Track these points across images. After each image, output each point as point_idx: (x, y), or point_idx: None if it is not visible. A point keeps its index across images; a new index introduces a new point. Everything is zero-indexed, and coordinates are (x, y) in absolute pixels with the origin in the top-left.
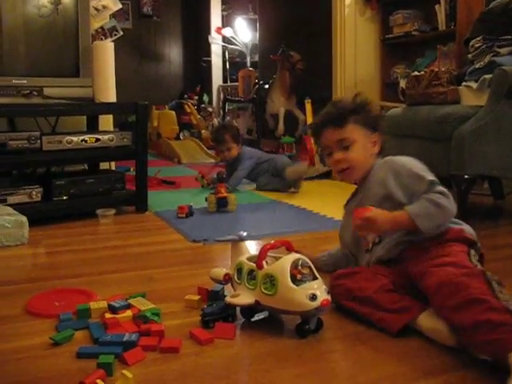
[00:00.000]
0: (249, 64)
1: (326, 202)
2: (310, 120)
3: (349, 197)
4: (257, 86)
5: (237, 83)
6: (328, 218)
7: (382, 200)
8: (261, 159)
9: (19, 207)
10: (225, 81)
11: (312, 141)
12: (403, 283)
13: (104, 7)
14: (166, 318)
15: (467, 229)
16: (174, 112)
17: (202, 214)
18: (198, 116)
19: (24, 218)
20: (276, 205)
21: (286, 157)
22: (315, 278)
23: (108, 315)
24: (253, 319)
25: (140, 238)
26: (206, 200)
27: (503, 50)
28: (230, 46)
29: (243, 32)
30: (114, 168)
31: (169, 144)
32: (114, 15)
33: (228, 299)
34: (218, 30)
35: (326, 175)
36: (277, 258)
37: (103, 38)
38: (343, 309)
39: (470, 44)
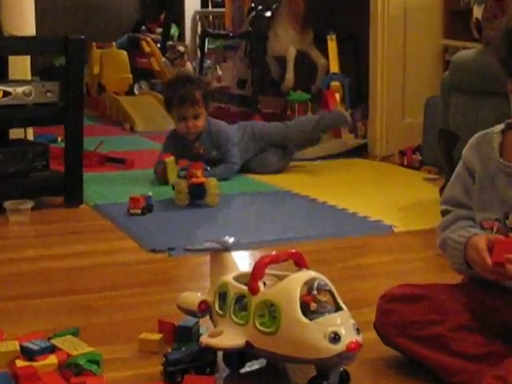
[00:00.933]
0: None
1: (357, 192)
2: (334, 66)
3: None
4: (253, 14)
5: (223, 9)
6: (361, 218)
7: None
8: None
9: None
10: (204, 5)
11: (337, 98)
12: (495, 324)
13: None
14: (109, 368)
15: None
16: (125, 52)
17: (167, 209)
18: (163, 59)
19: None
20: (282, 196)
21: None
22: (339, 309)
23: (21, 363)
24: (242, 370)
25: (71, 246)
26: (174, 188)
27: None
28: None
29: None
30: (31, 138)
31: (117, 102)
32: None
33: (205, 340)
34: None
35: (358, 151)
36: (280, 278)
37: None
38: (393, 347)
39: None
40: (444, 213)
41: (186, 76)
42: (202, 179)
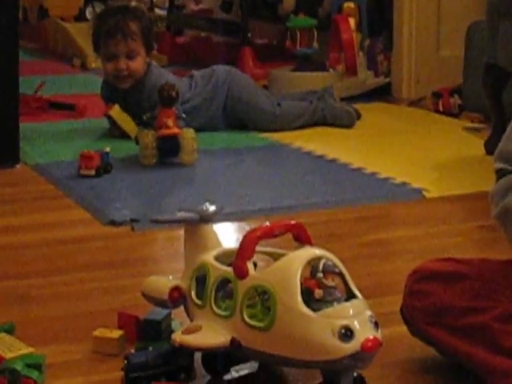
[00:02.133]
0: None
1: (378, 146)
2: None
3: None
4: None
5: None
6: (382, 180)
7: None
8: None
9: None
10: None
11: (352, 24)
12: None
13: None
14: (54, 374)
15: None
16: None
17: (129, 169)
18: None
19: None
20: (279, 152)
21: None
22: (351, 297)
23: None
24: (227, 376)
25: (4, 218)
26: (137, 142)
27: None
28: None
29: None
30: None
31: (64, 30)
32: None
33: (179, 337)
34: None
35: (380, 93)
36: (275, 257)
37: None
38: (423, 339)
39: None
40: (500, 172)
41: (119, 6)
42: (175, 130)
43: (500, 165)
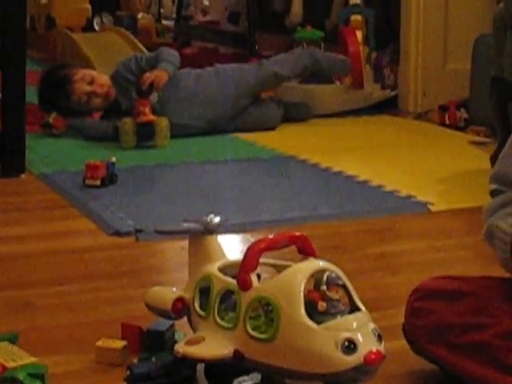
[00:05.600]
0: None
1: (384, 159)
2: None
3: None
4: None
5: None
6: (388, 193)
7: None
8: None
9: None
10: None
11: (359, 37)
12: None
13: None
14: None
15: None
16: None
17: (135, 179)
18: None
19: None
20: (284, 164)
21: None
22: (355, 310)
23: None
24: None
25: (9, 227)
26: (118, 129)
27: None
28: None
29: None
30: None
31: (71, 40)
32: None
33: (182, 348)
34: None
35: (386, 106)
36: (279, 269)
37: None
38: (425, 357)
39: None
40: (494, 193)
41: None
42: (151, 117)
43: (493, 185)
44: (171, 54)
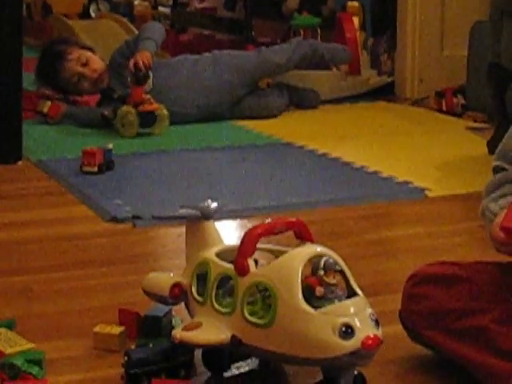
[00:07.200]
0: None
1: (381, 145)
2: None
3: None
4: None
5: None
6: (384, 178)
7: None
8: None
9: None
10: None
11: (356, 23)
12: None
13: None
14: (55, 370)
15: None
16: None
17: (132, 166)
18: None
19: None
20: (282, 150)
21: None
22: (352, 295)
23: None
24: (227, 373)
25: (6, 214)
26: (116, 116)
27: None
28: None
29: None
30: None
31: (67, 27)
32: None
33: (179, 333)
34: None
35: (383, 92)
36: (276, 254)
37: None
38: (422, 343)
39: None
40: (495, 170)
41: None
42: (154, 105)
43: (497, 162)
44: (150, 29)
